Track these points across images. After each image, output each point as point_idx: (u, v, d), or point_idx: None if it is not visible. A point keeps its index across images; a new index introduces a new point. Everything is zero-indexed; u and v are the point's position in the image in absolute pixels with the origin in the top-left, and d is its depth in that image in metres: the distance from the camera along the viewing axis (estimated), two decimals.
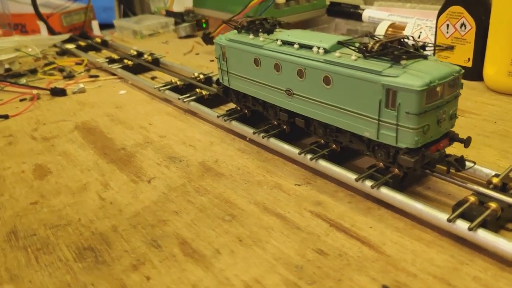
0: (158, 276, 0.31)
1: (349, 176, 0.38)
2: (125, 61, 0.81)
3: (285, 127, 0.47)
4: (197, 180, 0.43)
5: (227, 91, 0.54)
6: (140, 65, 0.80)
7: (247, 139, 0.51)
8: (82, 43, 1.02)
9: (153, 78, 0.78)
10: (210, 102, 0.60)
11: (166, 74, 0.76)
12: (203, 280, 0.30)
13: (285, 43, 0.43)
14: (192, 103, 0.59)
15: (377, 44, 0.34)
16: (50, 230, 0.37)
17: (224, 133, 0.53)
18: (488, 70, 0.60)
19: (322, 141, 0.43)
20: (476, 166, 0.38)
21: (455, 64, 0.34)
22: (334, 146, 0.42)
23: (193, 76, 0.69)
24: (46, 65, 0.88)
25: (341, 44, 0.38)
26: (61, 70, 0.86)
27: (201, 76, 0.68)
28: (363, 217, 0.35)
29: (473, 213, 0.31)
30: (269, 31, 0.47)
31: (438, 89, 0.32)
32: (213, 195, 0.40)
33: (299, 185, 0.41)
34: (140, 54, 0.85)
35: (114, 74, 0.81)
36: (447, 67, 0.33)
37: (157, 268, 0.32)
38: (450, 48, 0.36)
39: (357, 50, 0.36)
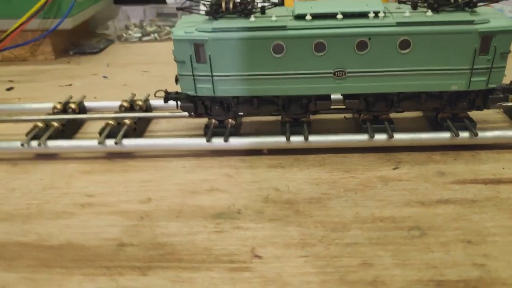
0: None
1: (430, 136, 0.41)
2: None
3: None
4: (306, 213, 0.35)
5: (195, 106, 0.42)
6: None
7: (265, 151, 0.43)
8: None
9: None
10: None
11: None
12: None
13: (316, 16, 0.39)
14: (131, 140, 0.43)
15: None
16: None
17: (215, 158, 0.43)
18: None
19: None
20: None
21: None
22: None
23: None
24: None
25: (402, 3, 0.40)
26: None
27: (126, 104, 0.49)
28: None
29: None
30: (262, 10, 0.41)
31: None
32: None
33: (396, 168, 0.41)
34: None
35: None
36: (494, 10, 0.42)
37: None
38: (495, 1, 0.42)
39: (426, 6, 0.39)
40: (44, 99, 0.58)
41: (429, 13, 0.38)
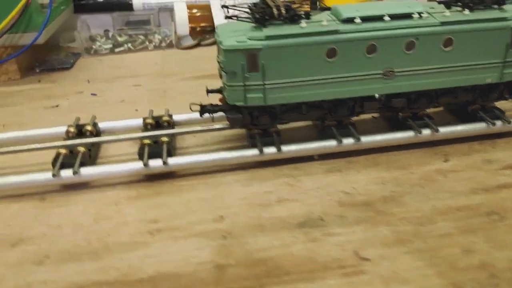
0: None
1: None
2: None
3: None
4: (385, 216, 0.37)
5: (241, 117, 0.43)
6: None
7: (315, 157, 0.45)
8: None
9: None
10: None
11: None
12: None
13: (365, 19, 0.43)
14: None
15: None
16: None
17: (266, 169, 0.44)
18: None
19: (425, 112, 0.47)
20: None
21: None
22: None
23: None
24: None
25: (442, 3, 0.44)
26: None
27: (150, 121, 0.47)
28: None
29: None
30: (306, 15, 0.44)
31: None
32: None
33: (446, 161, 0.45)
34: None
35: None
36: None
37: None
38: None
39: (461, 5, 0.44)
40: (35, 124, 0.55)
41: (466, 11, 0.43)
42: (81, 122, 0.49)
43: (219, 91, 0.48)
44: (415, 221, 0.36)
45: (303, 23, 0.41)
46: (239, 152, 0.43)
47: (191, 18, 0.81)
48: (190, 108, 0.45)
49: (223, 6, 0.44)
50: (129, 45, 0.77)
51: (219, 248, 0.34)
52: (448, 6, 0.44)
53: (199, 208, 0.39)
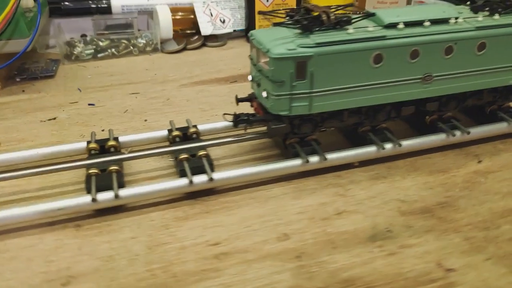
0: None
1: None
2: None
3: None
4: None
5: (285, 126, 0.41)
6: None
7: (356, 163, 0.44)
8: None
9: None
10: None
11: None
12: None
13: (407, 24, 0.42)
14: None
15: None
16: None
17: (309, 179, 0.42)
18: None
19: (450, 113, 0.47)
20: None
21: None
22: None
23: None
24: None
25: (470, 8, 0.44)
26: None
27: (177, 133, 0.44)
28: None
29: None
30: (347, 22, 0.42)
31: None
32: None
33: (480, 161, 0.46)
34: None
35: None
36: None
37: None
38: None
39: (489, 10, 0.45)
40: (36, 139, 0.49)
41: (496, 16, 0.43)
42: (97, 136, 0.44)
43: (249, 99, 0.45)
44: (481, 226, 0.36)
45: (351, 29, 0.39)
46: (283, 163, 0.41)
47: (175, 21, 0.76)
48: (225, 118, 0.43)
49: (260, 12, 0.41)
50: (113, 50, 0.71)
51: (298, 270, 0.32)
52: (475, 11, 0.44)
53: (258, 226, 0.36)
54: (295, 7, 0.42)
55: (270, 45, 0.38)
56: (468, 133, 0.45)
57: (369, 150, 0.43)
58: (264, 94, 0.40)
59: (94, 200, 0.36)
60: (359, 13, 0.41)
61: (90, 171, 0.38)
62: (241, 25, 0.80)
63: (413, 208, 0.38)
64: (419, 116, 0.47)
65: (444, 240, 0.35)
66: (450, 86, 0.44)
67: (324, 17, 0.38)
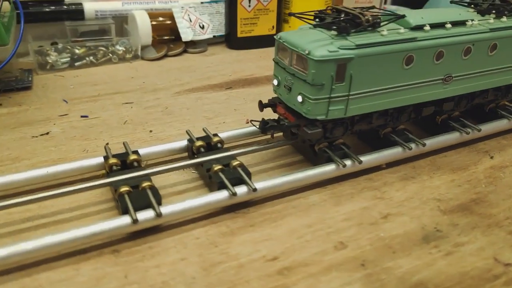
0: None
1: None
2: None
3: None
4: None
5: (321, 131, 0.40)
6: None
7: (383, 165, 0.44)
8: None
9: None
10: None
11: None
12: None
13: (434, 26, 0.42)
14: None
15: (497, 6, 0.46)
16: None
17: (342, 184, 0.41)
18: None
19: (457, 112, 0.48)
20: None
21: None
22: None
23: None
24: None
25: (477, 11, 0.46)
26: None
27: (201, 143, 0.41)
28: None
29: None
30: (376, 24, 0.42)
31: None
32: None
33: (492, 157, 0.47)
34: None
35: None
36: None
37: None
38: None
39: (496, 12, 0.46)
40: (33, 157, 0.44)
41: (504, 19, 0.45)
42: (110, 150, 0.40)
43: (272, 105, 0.43)
44: None
45: (385, 31, 0.38)
46: (319, 169, 0.40)
47: (152, 27, 0.72)
48: (252, 124, 0.40)
49: (290, 14, 0.39)
50: (91, 58, 0.66)
51: (367, 279, 0.31)
52: (483, 14, 0.45)
53: (310, 236, 0.34)
54: (323, 9, 0.40)
55: (309, 47, 0.36)
56: (479, 130, 0.46)
57: (396, 151, 0.43)
58: (300, 98, 0.38)
59: (135, 221, 0.32)
60: (389, 15, 0.40)
61: (122, 189, 0.34)
62: (220, 31, 0.78)
63: (451, 206, 0.38)
64: (429, 116, 0.47)
65: (491, 235, 0.35)
66: (465, 86, 0.44)
67: (362, 18, 0.37)
